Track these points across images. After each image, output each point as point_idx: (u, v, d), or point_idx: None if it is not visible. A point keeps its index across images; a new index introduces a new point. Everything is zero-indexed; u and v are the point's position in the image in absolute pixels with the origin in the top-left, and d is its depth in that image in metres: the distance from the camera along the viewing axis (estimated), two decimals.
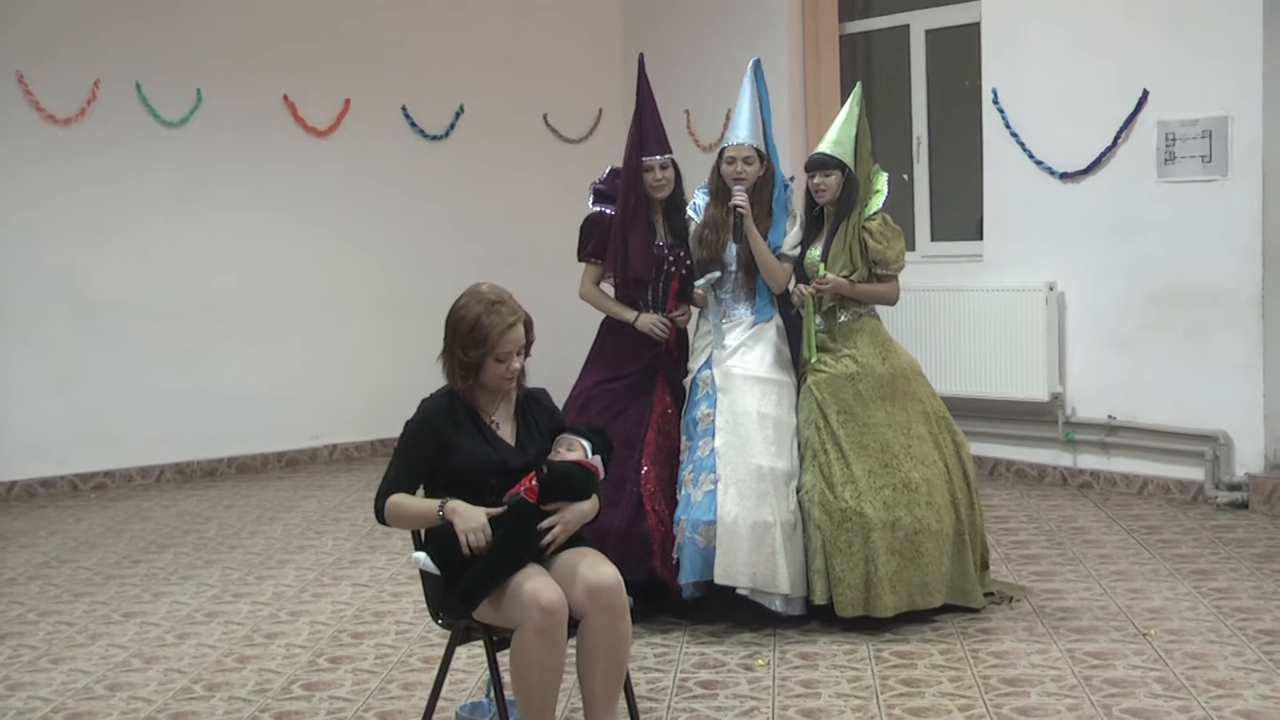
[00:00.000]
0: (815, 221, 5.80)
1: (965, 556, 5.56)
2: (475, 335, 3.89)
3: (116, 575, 6.72)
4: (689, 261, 5.80)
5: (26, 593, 6.43)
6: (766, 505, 5.39)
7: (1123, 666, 4.84)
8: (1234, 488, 7.32)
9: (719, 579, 5.36)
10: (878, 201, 5.65)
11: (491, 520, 3.75)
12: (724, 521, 5.35)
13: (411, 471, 3.91)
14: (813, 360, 5.60)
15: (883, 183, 5.70)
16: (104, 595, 6.34)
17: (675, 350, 5.89)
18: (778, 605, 5.42)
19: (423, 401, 3.97)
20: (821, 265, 5.55)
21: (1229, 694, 4.52)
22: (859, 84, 5.86)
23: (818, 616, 5.47)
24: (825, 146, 5.67)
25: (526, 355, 4.02)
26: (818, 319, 5.63)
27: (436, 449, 3.88)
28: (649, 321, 5.76)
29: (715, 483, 5.42)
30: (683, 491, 5.53)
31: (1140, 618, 5.41)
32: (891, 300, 5.74)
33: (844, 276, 5.55)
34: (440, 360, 3.99)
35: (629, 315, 5.79)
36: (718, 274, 5.73)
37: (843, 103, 9.41)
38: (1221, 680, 4.66)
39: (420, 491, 3.95)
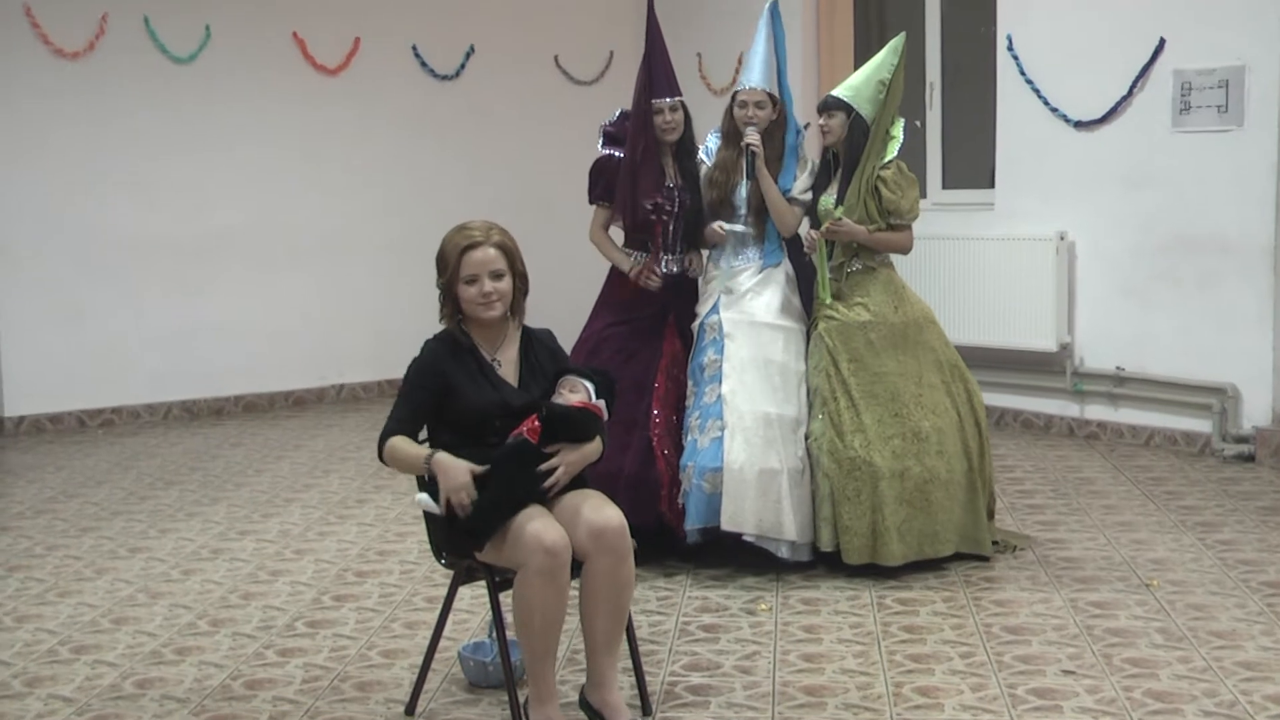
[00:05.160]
0: (828, 167, 5.76)
1: (977, 504, 5.56)
2: (441, 260, 3.92)
3: (123, 511, 6.74)
4: (685, 201, 5.73)
5: (34, 527, 6.46)
6: (773, 452, 5.39)
7: (1125, 616, 4.85)
8: (1241, 440, 7.31)
9: (725, 525, 5.36)
10: (893, 149, 5.59)
11: (495, 459, 3.74)
12: (730, 468, 5.34)
13: (415, 412, 3.90)
14: (827, 302, 5.57)
15: (898, 129, 5.63)
16: (111, 530, 6.37)
17: (691, 293, 5.88)
18: (784, 552, 5.43)
19: (426, 341, 3.96)
20: (839, 209, 5.50)
21: (1230, 645, 4.53)
22: (902, 34, 5.68)
23: (824, 562, 5.48)
24: (838, 89, 5.63)
25: (523, 290, 3.99)
26: (829, 268, 5.59)
27: (440, 389, 3.87)
28: (637, 271, 5.69)
29: (722, 429, 5.41)
30: (689, 437, 5.52)
31: (1144, 568, 5.42)
32: (905, 249, 5.70)
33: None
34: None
35: (625, 264, 5.76)
36: (742, 227, 5.70)
37: (857, 49, 9.46)
38: (1223, 631, 4.66)
39: (424, 434, 3.94)
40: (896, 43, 5.63)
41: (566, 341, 4.39)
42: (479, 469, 3.75)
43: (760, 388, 5.49)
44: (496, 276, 3.90)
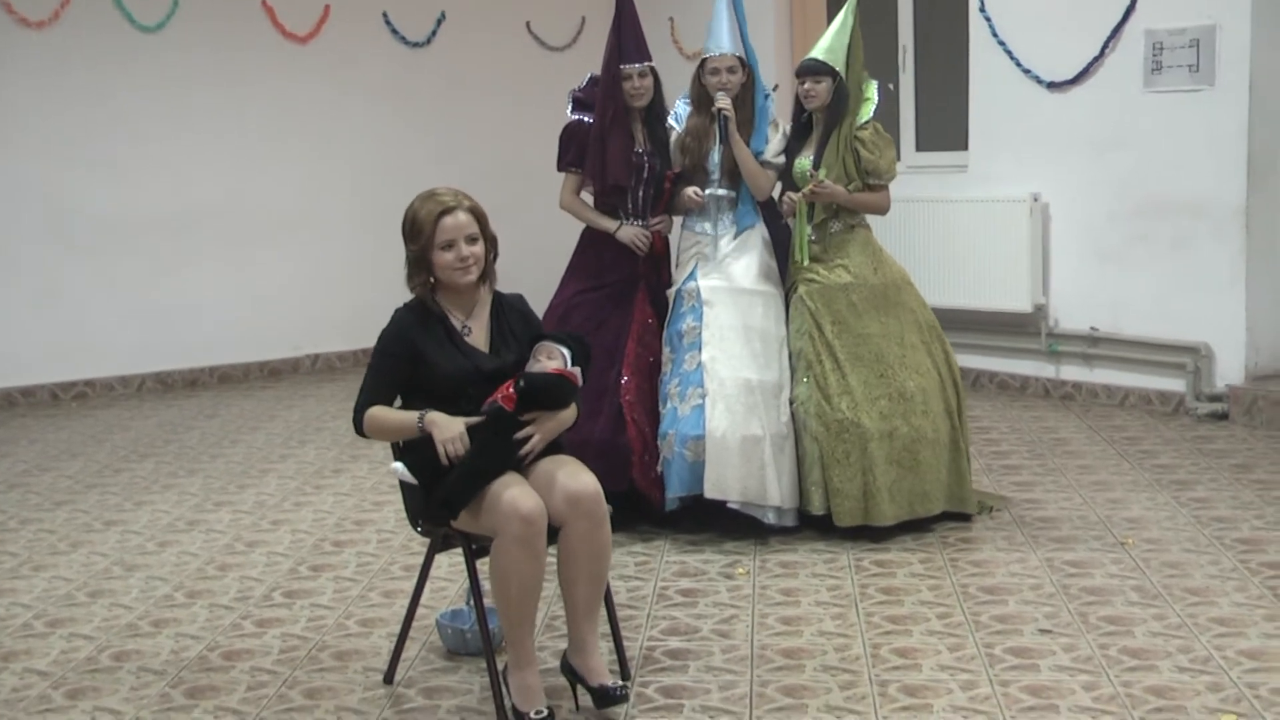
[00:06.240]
0: (803, 129, 5.75)
1: (961, 463, 5.59)
2: (414, 227, 3.91)
3: (98, 484, 6.71)
4: (676, 170, 5.75)
5: (7, 500, 6.42)
6: (755, 418, 5.38)
7: (1100, 575, 4.87)
8: (1214, 399, 7.34)
9: (709, 493, 5.36)
10: (868, 110, 5.59)
11: (470, 429, 3.75)
12: (713, 436, 5.34)
13: (387, 383, 3.90)
14: (804, 264, 5.57)
15: (872, 91, 5.64)
16: (85, 504, 6.34)
17: (664, 258, 5.88)
18: (770, 518, 5.43)
19: (395, 311, 3.95)
20: (822, 170, 5.50)
21: (1205, 601, 4.56)
22: None
23: (810, 526, 5.48)
24: (817, 53, 5.60)
25: (493, 254, 4.00)
26: (809, 229, 5.59)
27: (410, 358, 3.86)
28: (630, 234, 5.71)
29: (703, 397, 5.40)
30: (668, 405, 5.51)
31: (1119, 527, 5.44)
32: (883, 209, 5.71)
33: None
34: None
35: (610, 225, 5.74)
36: (723, 192, 5.68)
37: (829, 11, 9.42)
38: (1198, 588, 4.69)
39: (398, 402, 3.93)
40: (851, 3, 5.65)
41: (538, 307, 4.38)
42: (473, 420, 3.77)
43: (741, 354, 5.48)
44: (471, 241, 3.91)
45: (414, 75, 10.20)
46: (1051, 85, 7.95)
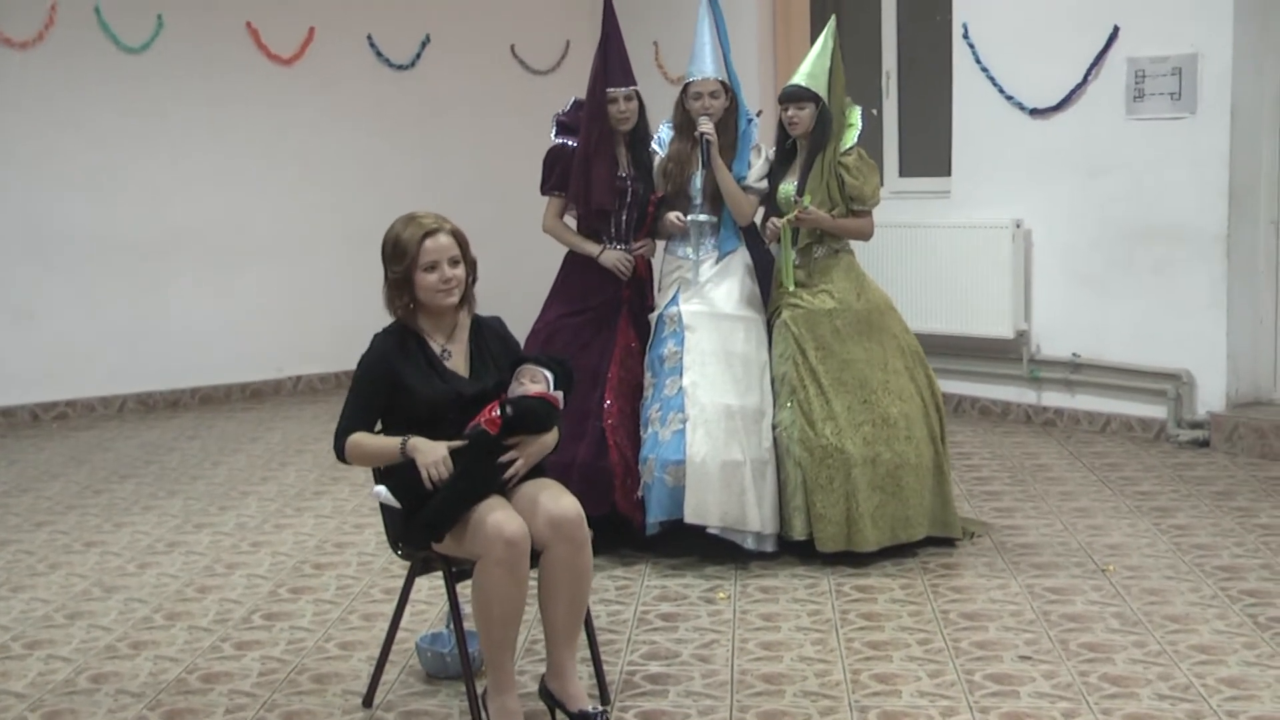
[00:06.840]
0: (787, 155, 5.76)
1: (944, 488, 5.60)
2: (397, 250, 3.91)
3: (78, 505, 6.68)
4: (659, 194, 5.76)
5: None
6: (736, 444, 5.38)
7: (1081, 602, 4.88)
8: (1196, 426, 7.36)
9: (689, 518, 5.35)
10: (852, 136, 5.61)
11: (453, 453, 3.74)
12: (693, 461, 5.33)
13: (368, 408, 3.89)
14: (791, 289, 5.58)
15: (856, 116, 5.66)
16: (65, 525, 6.31)
17: (647, 282, 5.89)
18: (749, 543, 5.42)
19: (374, 336, 3.95)
20: (807, 196, 5.51)
21: (1185, 629, 4.57)
22: (833, 17, 5.80)
23: (791, 551, 5.48)
24: (799, 79, 5.62)
25: (472, 277, 4.00)
26: (794, 253, 5.61)
27: (390, 384, 3.86)
28: (614, 258, 5.72)
29: (684, 422, 5.40)
30: (649, 430, 5.51)
31: (1100, 554, 5.45)
32: (867, 235, 5.72)
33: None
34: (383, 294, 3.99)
35: (593, 249, 5.75)
36: (704, 218, 5.69)
37: (813, 36, 9.46)
38: (1178, 615, 4.70)
39: (378, 427, 3.93)
40: (830, 26, 5.69)
41: (521, 331, 4.38)
42: (456, 444, 3.76)
43: (722, 379, 5.48)
44: (454, 264, 3.92)
45: (398, 98, 10.21)
46: (1034, 112, 7.98)
